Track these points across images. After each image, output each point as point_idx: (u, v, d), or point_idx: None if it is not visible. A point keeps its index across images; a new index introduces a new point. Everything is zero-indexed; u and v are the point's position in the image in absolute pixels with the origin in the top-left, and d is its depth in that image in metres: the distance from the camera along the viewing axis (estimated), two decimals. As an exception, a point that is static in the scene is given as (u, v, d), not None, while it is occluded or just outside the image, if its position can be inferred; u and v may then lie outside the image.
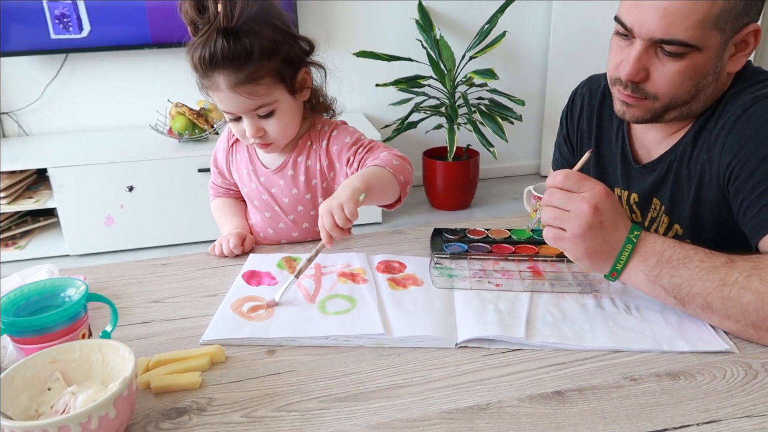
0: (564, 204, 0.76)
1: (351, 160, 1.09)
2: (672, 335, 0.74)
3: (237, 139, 1.16)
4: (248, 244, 1.06)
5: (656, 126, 0.96)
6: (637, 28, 0.83)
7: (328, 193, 1.13)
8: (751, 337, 0.73)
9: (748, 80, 0.88)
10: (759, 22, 0.85)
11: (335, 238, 0.87)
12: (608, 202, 0.76)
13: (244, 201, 1.24)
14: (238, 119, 1.02)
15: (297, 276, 0.87)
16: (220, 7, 0.91)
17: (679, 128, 0.94)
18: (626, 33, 0.86)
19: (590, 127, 1.10)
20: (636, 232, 0.76)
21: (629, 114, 0.91)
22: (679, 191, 0.95)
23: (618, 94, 0.91)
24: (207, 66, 0.95)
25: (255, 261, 0.99)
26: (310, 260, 0.88)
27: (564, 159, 1.20)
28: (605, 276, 0.79)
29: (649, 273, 0.75)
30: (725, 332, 0.74)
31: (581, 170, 0.81)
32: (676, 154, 0.94)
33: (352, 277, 0.92)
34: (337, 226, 0.85)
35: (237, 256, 1.03)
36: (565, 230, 0.76)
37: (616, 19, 0.87)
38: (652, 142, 0.98)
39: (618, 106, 0.93)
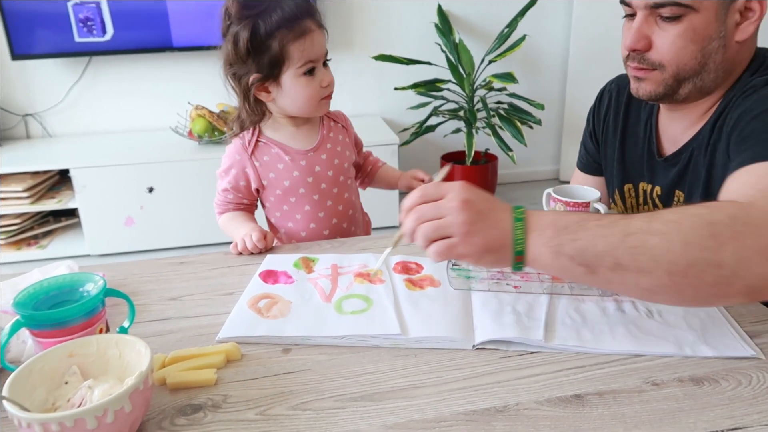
0: (435, 213, 0.70)
1: (355, 165, 1.30)
2: (695, 340, 0.73)
3: (255, 146, 1.18)
4: (270, 241, 1.06)
5: (679, 115, 0.96)
6: (635, 1, 0.87)
7: (353, 163, 1.29)
8: (670, 291, 0.66)
9: None
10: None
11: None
12: (474, 191, 0.71)
13: (252, 214, 1.25)
14: (311, 73, 1.12)
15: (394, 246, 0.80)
16: None
17: (700, 116, 0.94)
18: (632, 13, 0.90)
19: (616, 122, 1.11)
20: (519, 210, 0.71)
21: (642, 89, 0.93)
22: (697, 179, 0.93)
23: (630, 71, 0.94)
24: (302, 13, 1.08)
25: (272, 261, 0.99)
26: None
27: (589, 155, 1.21)
28: (513, 267, 0.71)
29: (550, 244, 0.68)
30: (750, 335, 0.73)
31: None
32: (697, 144, 0.94)
33: (369, 277, 0.91)
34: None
35: (254, 254, 1.03)
36: (451, 236, 0.70)
37: (621, 1, 0.91)
38: (676, 133, 0.98)
39: (632, 84, 0.95)
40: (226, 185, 1.22)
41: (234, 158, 1.20)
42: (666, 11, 0.85)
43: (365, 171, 1.38)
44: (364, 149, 1.39)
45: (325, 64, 1.14)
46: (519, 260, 0.70)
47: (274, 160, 1.18)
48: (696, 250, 0.63)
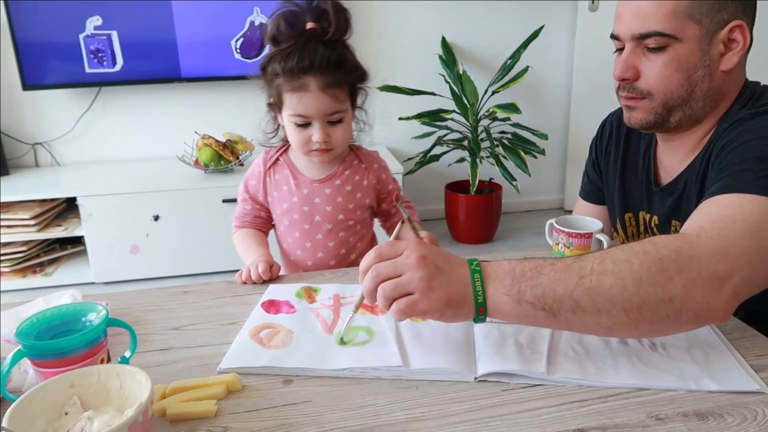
0: (393, 271, 0.71)
1: (384, 213, 1.30)
2: (699, 374, 0.72)
3: (274, 162, 1.24)
4: (275, 271, 1.07)
5: (675, 146, 0.99)
6: (623, 33, 0.92)
7: (366, 208, 1.26)
8: (628, 327, 0.69)
9: (761, 104, 0.90)
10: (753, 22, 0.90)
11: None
12: (430, 248, 0.73)
13: (266, 233, 1.28)
14: (305, 126, 1.12)
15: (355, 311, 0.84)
16: (309, 24, 1.08)
17: (694, 145, 0.96)
18: (621, 47, 0.94)
19: (617, 152, 1.13)
20: (474, 263, 0.73)
21: (633, 118, 0.96)
22: (691, 209, 0.94)
23: (621, 101, 0.98)
24: (304, 69, 1.06)
25: (274, 290, 0.99)
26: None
27: (592, 184, 1.23)
28: (474, 319, 0.73)
29: (510, 293, 0.70)
30: (755, 369, 0.72)
31: None
32: (690, 174, 0.96)
33: (371, 308, 0.91)
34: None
35: (259, 283, 1.03)
36: (412, 293, 0.70)
37: (611, 36, 0.96)
38: (673, 164, 1.00)
39: (624, 114, 0.99)
40: (245, 195, 1.26)
41: (255, 169, 1.25)
42: (651, 42, 0.89)
43: (386, 226, 1.35)
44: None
45: (333, 122, 1.12)
46: (481, 312, 0.71)
47: (283, 180, 1.22)
48: (648, 287, 0.67)
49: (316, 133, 1.11)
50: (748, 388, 0.69)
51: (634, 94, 0.94)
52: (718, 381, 0.70)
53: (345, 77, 1.11)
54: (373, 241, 1.35)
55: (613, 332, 0.72)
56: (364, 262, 0.74)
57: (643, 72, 0.92)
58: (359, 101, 1.20)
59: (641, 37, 0.90)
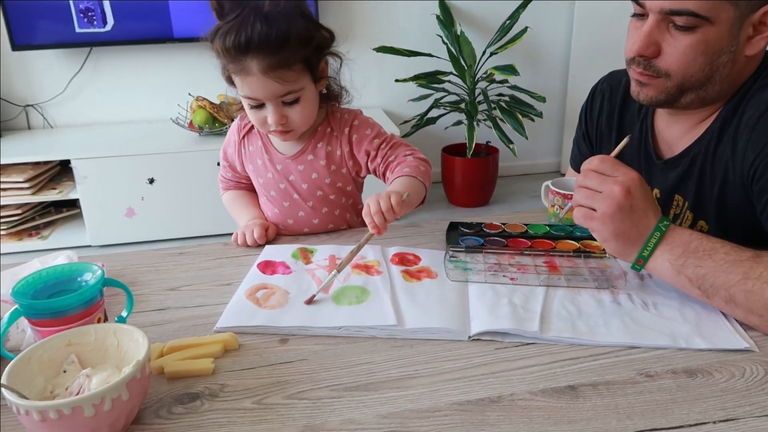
0: (597, 185, 0.77)
1: (373, 155, 1.12)
2: (690, 333, 0.73)
3: (248, 131, 1.16)
4: (272, 234, 1.06)
5: (678, 119, 0.95)
6: (650, 5, 0.83)
7: (347, 179, 1.16)
8: None
9: None
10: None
11: (380, 230, 0.90)
12: (640, 189, 0.77)
13: (255, 192, 1.23)
14: (259, 107, 1.02)
15: (339, 270, 0.87)
16: None
17: (700, 121, 0.93)
18: (642, 13, 0.86)
19: (611, 123, 1.09)
20: (665, 222, 0.77)
21: (643, 94, 0.90)
22: (703, 187, 0.93)
23: (632, 74, 0.91)
24: (241, 49, 0.94)
25: (270, 251, 0.99)
26: (354, 253, 0.89)
27: (582, 155, 1.18)
28: (632, 266, 0.79)
29: (675, 262, 0.76)
30: (744, 327, 0.73)
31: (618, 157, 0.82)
32: (699, 149, 0.92)
33: (366, 268, 0.91)
34: (381, 212, 0.89)
35: (254, 247, 1.03)
36: (595, 210, 0.77)
37: (633, 0, 0.87)
38: (675, 137, 0.96)
39: (633, 87, 0.92)
40: (225, 162, 1.21)
41: (230, 137, 1.19)
42: (680, 20, 0.81)
43: (388, 177, 1.16)
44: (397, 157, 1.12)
45: (289, 102, 1.01)
46: (640, 262, 0.78)
47: (257, 153, 1.15)
48: None
49: (270, 116, 1.01)
50: (737, 346, 0.70)
51: (651, 72, 0.86)
52: (708, 339, 0.72)
53: (292, 56, 0.96)
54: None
55: (759, 329, 0.74)
56: (587, 163, 0.80)
57: (665, 50, 0.84)
58: (330, 70, 1.08)
59: (671, 13, 0.81)
